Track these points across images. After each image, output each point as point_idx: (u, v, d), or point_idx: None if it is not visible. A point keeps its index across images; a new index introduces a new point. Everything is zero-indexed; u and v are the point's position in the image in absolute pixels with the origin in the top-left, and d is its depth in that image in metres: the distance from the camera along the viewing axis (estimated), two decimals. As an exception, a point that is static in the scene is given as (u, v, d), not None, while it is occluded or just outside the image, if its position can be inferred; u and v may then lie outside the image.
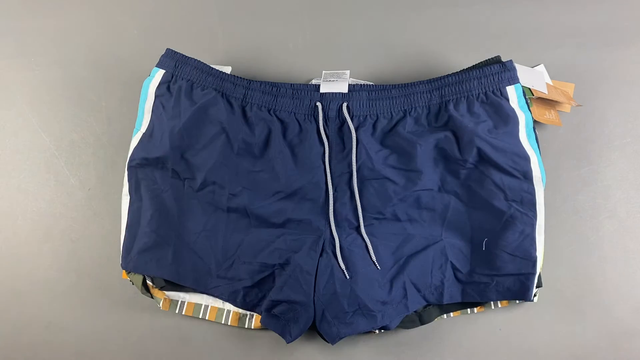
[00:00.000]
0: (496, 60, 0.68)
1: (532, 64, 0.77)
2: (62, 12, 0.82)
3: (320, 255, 0.67)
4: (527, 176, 0.66)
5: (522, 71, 0.71)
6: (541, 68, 0.77)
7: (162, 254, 0.69)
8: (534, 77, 0.73)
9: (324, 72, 0.72)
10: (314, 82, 0.75)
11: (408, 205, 0.69)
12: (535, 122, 0.71)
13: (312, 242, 0.67)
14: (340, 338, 0.66)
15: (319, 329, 0.66)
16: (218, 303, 0.73)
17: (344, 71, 0.72)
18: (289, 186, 0.68)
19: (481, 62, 0.68)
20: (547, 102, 0.74)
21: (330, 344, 0.67)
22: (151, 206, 0.69)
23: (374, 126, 0.68)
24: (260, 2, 0.81)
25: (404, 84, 0.69)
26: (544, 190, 0.67)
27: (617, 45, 0.78)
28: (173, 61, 0.70)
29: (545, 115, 0.73)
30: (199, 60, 0.69)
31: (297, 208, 0.69)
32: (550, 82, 0.76)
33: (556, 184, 0.75)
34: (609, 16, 0.78)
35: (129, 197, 0.70)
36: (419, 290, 0.68)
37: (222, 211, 0.69)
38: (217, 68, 0.70)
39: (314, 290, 0.66)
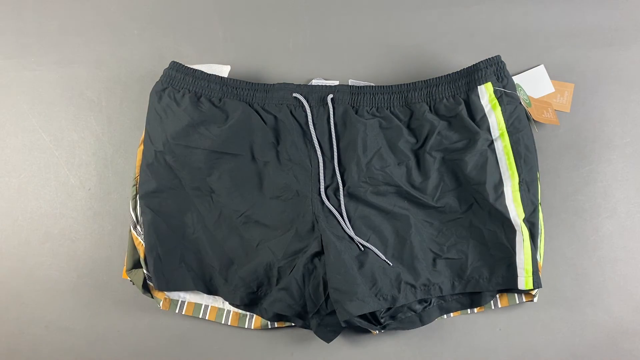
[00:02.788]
0: (495, 61, 0.68)
1: (532, 64, 0.77)
2: (62, 12, 0.82)
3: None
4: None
5: (521, 78, 0.71)
6: (541, 68, 0.77)
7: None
8: (532, 80, 0.74)
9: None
10: (314, 82, 0.75)
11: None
12: (535, 121, 0.71)
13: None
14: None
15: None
16: (218, 303, 0.73)
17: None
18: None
19: (480, 61, 0.68)
20: (546, 102, 0.74)
21: (327, 344, 0.67)
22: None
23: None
24: (261, 3, 0.81)
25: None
26: (544, 190, 0.66)
27: (617, 45, 0.78)
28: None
29: (544, 114, 0.73)
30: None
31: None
32: (549, 82, 0.76)
33: (556, 184, 0.75)
34: (609, 16, 0.78)
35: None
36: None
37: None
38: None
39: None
